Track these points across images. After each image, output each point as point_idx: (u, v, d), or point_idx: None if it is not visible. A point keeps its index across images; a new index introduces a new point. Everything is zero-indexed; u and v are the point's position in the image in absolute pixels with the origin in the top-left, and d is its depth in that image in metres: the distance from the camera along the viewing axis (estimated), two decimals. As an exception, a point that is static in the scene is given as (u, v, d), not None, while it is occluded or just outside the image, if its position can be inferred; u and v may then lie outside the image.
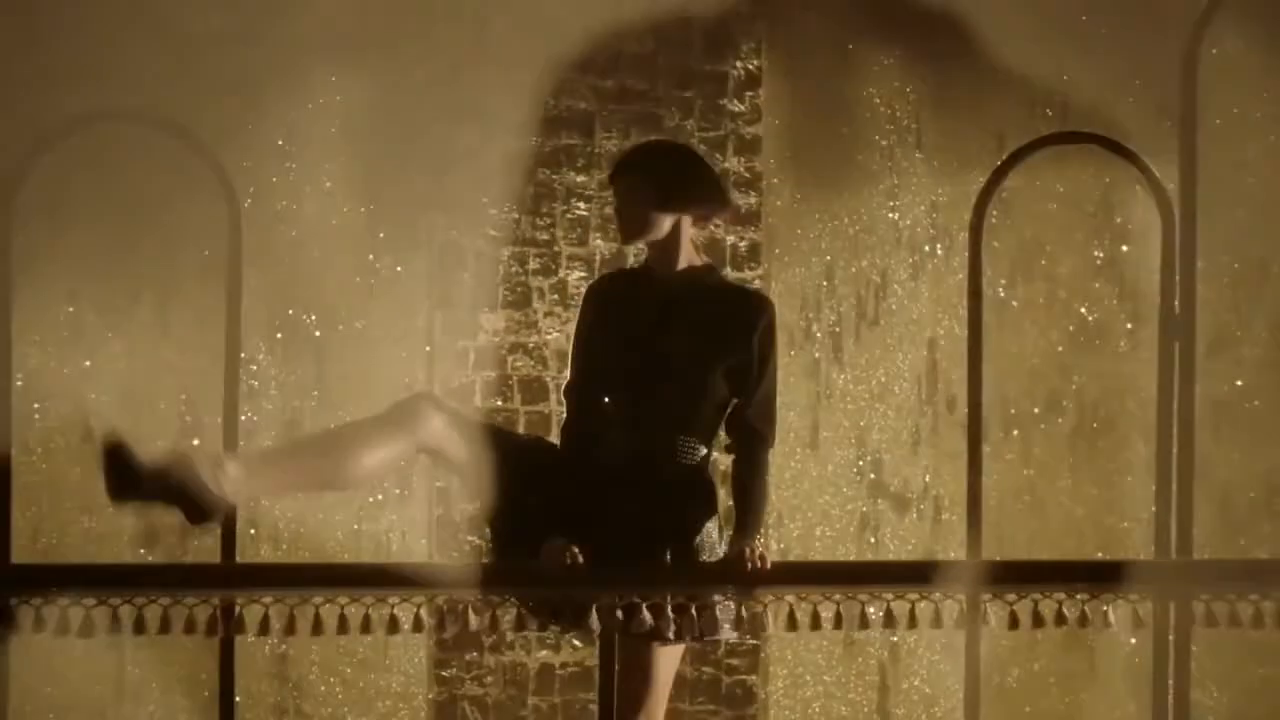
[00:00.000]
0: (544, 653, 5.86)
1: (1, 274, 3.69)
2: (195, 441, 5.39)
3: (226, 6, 5.45)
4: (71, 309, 5.53)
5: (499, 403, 5.79)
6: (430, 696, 5.81)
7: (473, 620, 3.42)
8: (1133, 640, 5.74)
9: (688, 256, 3.56)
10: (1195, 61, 3.83)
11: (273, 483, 3.41)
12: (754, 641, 5.97)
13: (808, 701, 6.02)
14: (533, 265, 5.47)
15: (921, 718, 5.99)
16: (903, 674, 5.98)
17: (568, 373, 3.68)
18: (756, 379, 3.53)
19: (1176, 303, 3.79)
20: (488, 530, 3.68)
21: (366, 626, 3.37)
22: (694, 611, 3.42)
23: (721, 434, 3.60)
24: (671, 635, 3.45)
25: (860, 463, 5.99)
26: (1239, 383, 5.76)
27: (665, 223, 3.55)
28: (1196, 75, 3.84)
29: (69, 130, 3.86)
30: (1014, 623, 3.48)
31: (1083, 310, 5.89)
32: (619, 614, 3.38)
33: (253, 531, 5.32)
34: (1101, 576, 3.54)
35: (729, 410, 3.54)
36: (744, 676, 5.99)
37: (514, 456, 3.50)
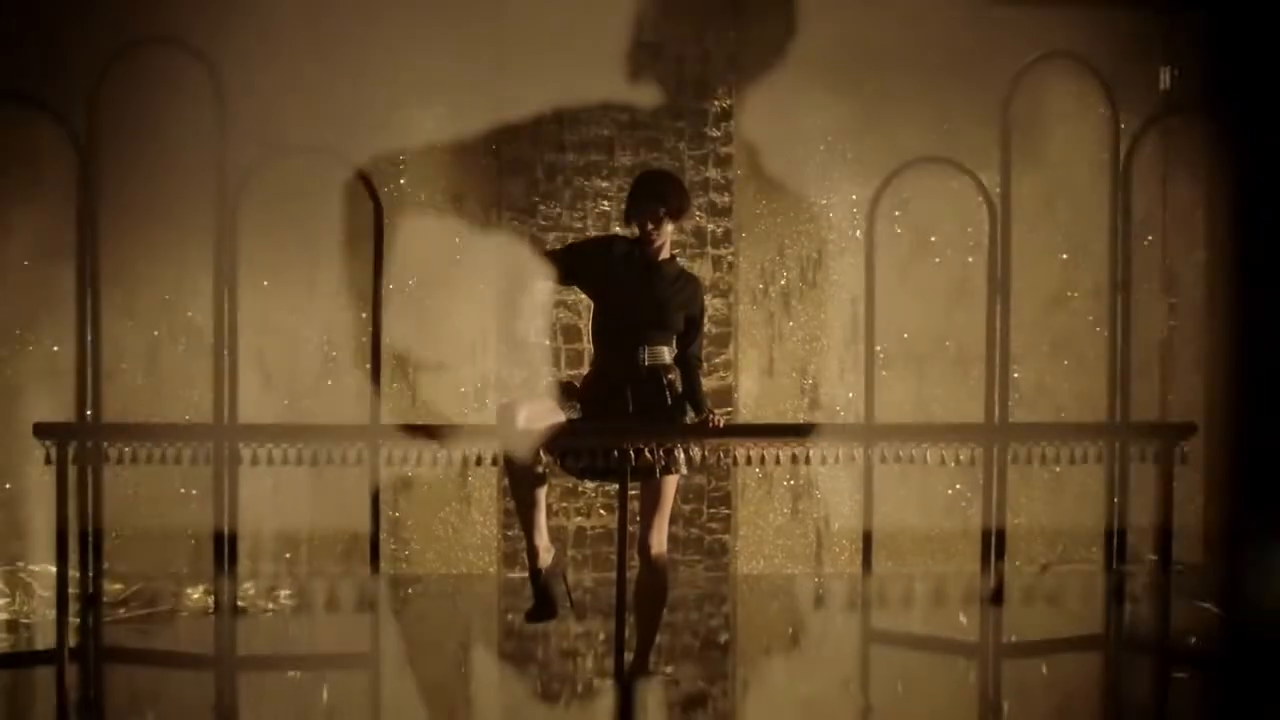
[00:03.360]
0: (578, 519, 6.50)
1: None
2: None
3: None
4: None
5: (545, 341, 6.40)
6: (499, 547, 6.57)
7: (543, 462, 4.46)
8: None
9: (667, 248, 4.71)
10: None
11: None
12: (727, 511, 6.50)
13: (769, 556, 6.68)
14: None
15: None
16: (835, 539, 6.64)
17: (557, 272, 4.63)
18: (698, 325, 4.73)
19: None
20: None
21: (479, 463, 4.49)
22: (680, 453, 4.54)
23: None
24: (674, 470, 4.54)
25: (802, 384, 6.69)
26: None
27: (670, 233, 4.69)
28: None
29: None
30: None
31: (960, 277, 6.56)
32: (632, 455, 4.48)
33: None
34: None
35: (678, 343, 4.66)
36: (720, 536, 6.60)
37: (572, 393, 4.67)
